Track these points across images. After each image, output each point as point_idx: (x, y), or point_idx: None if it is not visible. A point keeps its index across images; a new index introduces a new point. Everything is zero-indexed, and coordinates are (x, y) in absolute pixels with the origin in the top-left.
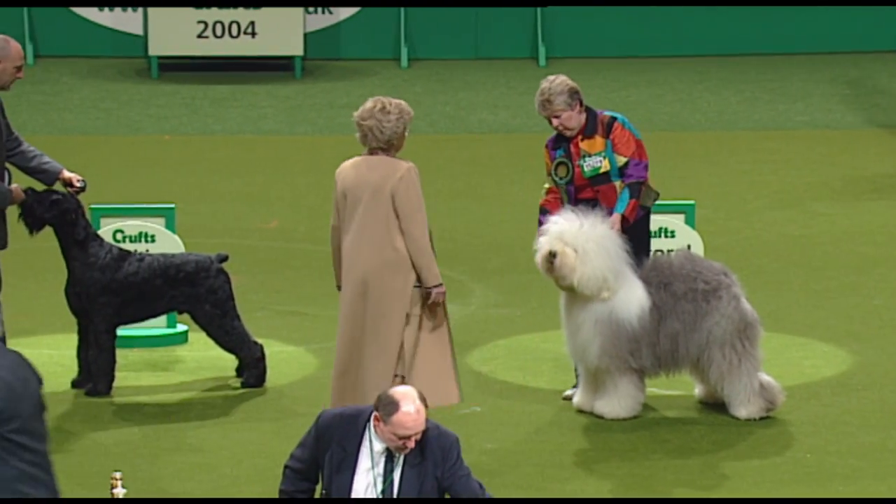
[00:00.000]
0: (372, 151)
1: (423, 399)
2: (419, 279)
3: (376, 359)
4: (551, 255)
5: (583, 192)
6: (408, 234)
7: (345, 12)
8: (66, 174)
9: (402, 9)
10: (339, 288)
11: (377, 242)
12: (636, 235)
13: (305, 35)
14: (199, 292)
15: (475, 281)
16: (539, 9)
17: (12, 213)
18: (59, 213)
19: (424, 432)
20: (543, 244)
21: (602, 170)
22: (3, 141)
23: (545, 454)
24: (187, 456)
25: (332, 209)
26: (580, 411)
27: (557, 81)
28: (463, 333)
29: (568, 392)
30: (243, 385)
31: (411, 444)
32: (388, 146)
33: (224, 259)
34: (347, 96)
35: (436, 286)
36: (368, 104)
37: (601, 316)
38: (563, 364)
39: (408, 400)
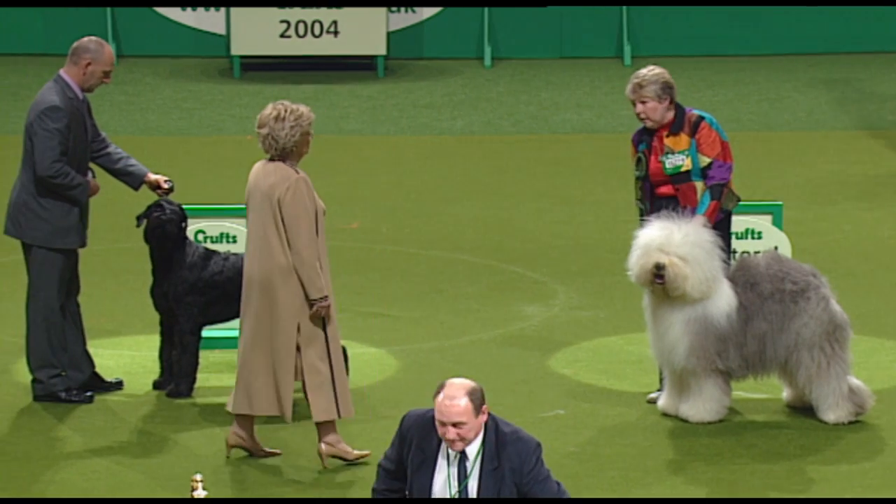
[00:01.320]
0: (271, 158)
1: (473, 393)
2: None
3: (281, 368)
4: (658, 268)
5: (661, 188)
6: (291, 245)
7: (428, 11)
8: (152, 177)
9: (486, 8)
10: None
11: (265, 248)
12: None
13: (388, 34)
14: None
15: (558, 282)
16: (624, 7)
17: (94, 213)
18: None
19: (502, 436)
20: (646, 258)
21: (683, 168)
22: (88, 141)
23: (629, 458)
24: (267, 458)
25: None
26: (665, 415)
27: (656, 71)
28: (545, 335)
29: (652, 395)
30: None
31: (451, 435)
32: (283, 154)
33: None
34: (430, 96)
35: (318, 299)
36: (267, 110)
37: (692, 316)
38: (647, 366)
39: (453, 388)
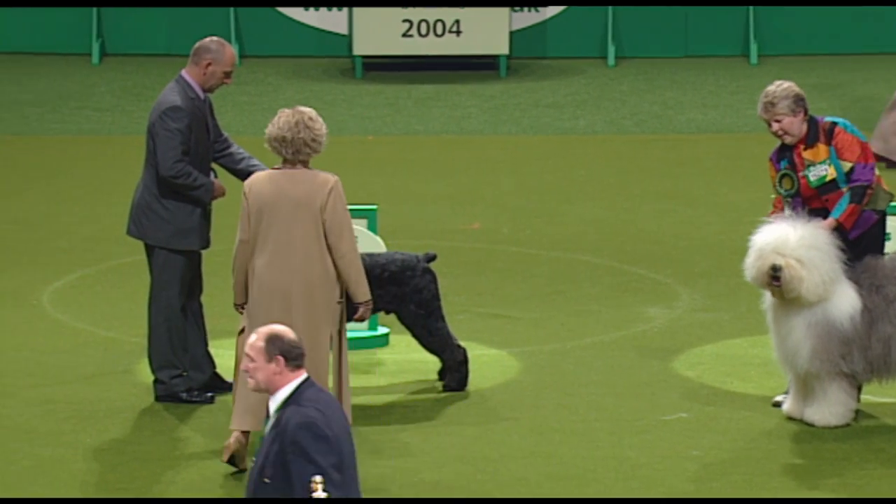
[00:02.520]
0: (291, 164)
1: (273, 341)
2: (342, 295)
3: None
4: (774, 270)
5: (812, 203)
6: (336, 249)
7: (551, 10)
8: None
9: (610, 7)
10: (240, 306)
11: (303, 259)
12: (870, 239)
13: (511, 34)
14: (405, 292)
15: (681, 284)
16: (751, 6)
17: (217, 213)
18: None
19: (296, 397)
20: (762, 259)
21: (828, 178)
22: (209, 141)
23: (753, 462)
24: (389, 460)
25: (239, 224)
26: (790, 419)
27: (784, 86)
28: (668, 338)
29: (777, 398)
30: (445, 388)
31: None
32: (303, 158)
33: (432, 259)
34: (553, 95)
35: (365, 302)
36: (289, 118)
37: (813, 319)
38: (771, 369)
39: (261, 330)
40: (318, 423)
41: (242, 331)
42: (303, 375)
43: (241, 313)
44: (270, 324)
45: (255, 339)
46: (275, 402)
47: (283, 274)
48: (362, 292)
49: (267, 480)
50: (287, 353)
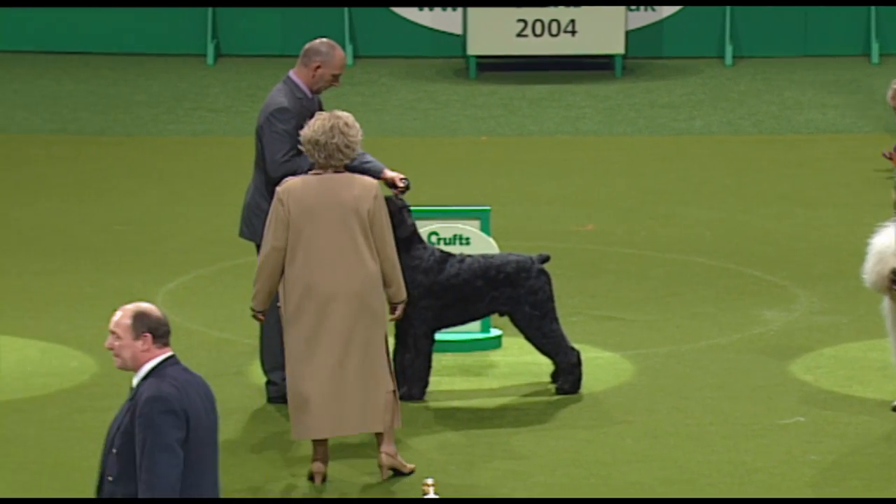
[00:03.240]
0: (324, 169)
1: (141, 318)
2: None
3: (372, 380)
4: (894, 274)
5: None
6: (382, 252)
7: (668, 9)
8: (389, 173)
9: (728, 7)
10: (260, 313)
11: (353, 263)
12: None
13: (627, 33)
14: (520, 293)
15: (799, 286)
16: (873, 6)
17: None
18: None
19: (146, 376)
20: (881, 263)
21: None
22: None
23: (872, 468)
24: (501, 463)
25: (270, 230)
26: None
27: None
28: (786, 340)
29: None
30: (558, 391)
31: (107, 343)
32: (344, 163)
33: (545, 260)
34: (669, 95)
35: (402, 301)
36: (325, 123)
37: None
38: (890, 373)
39: (127, 307)
40: (169, 398)
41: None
42: (168, 352)
43: (261, 320)
44: (316, 330)
45: (121, 316)
46: (137, 378)
47: (331, 279)
48: (402, 292)
49: (115, 450)
50: (154, 330)
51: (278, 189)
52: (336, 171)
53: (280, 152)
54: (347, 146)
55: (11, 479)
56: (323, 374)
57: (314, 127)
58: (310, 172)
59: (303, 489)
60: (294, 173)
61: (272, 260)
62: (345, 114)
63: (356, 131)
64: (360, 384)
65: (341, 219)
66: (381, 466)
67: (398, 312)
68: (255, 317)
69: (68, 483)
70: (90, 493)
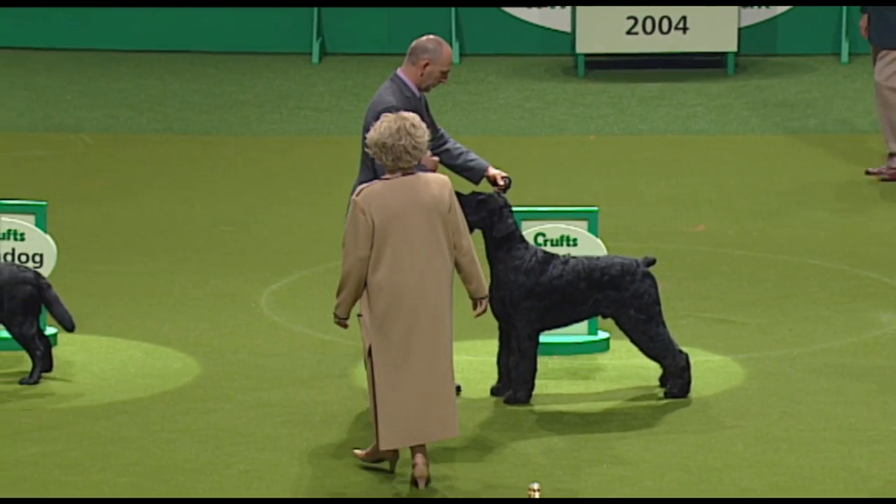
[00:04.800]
0: (403, 170)
1: None
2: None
3: (452, 384)
4: None
5: None
6: (460, 247)
7: (782, 6)
8: (492, 171)
9: (844, 6)
10: (345, 320)
11: (438, 267)
12: None
13: (740, 30)
14: (624, 296)
15: None
16: None
17: None
18: (486, 213)
19: None
20: None
21: None
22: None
23: None
24: (609, 468)
25: (352, 240)
26: None
27: None
28: None
29: None
30: (667, 395)
31: None
32: (408, 165)
33: (651, 263)
34: (783, 93)
35: (485, 297)
36: (391, 125)
37: None
38: None
39: None
40: None
41: (370, 351)
42: None
43: (345, 327)
44: (407, 336)
45: None
46: None
47: (419, 284)
48: (484, 287)
49: None
50: None
51: (356, 198)
52: (407, 173)
53: None
54: (415, 147)
55: (115, 481)
56: (417, 380)
57: (380, 129)
58: (384, 177)
59: (406, 493)
60: None
61: (358, 271)
62: (411, 114)
63: (423, 132)
64: (447, 389)
65: (426, 221)
66: (422, 478)
67: (481, 308)
68: (340, 324)
69: (171, 485)
70: (195, 495)
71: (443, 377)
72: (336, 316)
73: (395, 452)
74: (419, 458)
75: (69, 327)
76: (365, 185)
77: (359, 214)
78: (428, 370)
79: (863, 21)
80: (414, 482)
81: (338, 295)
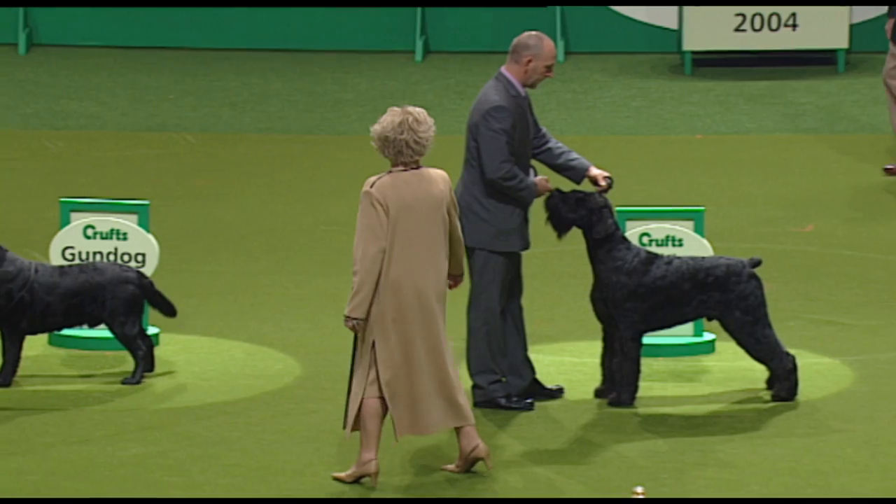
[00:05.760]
0: (405, 165)
1: None
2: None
3: (456, 374)
4: None
5: None
6: (457, 238)
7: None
8: (593, 171)
9: None
10: (362, 321)
11: (440, 257)
12: None
13: (851, 27)
14: (730, 298)
15: None
16: None
17: (536, 215)
18: (585, 212)
19: None
20: None
21: None
22: (529, 138)
23: None
24: (714, 471)
25: (369, 233)
26: None
27: None
28: None
29: None
30: (774, 398)
31: None
32: (419, 158)
33: (757, 264)
34: None
35: (460, 274)
36: (394, 119)
37: None
38: None
39: None
40: None
41: (373, 345)
42: None
43: (360, 329)
44: (417, 327)
45: None
46: None
47: (424, 276)
48: (461, 266)
49: None
50: None
51: (371, 191)
52: (413, 168)
53: (498, 151)
54: (417, 142)
55: (216, 482)
56: (427, 370)
57: (384, 123)
58: (391, 171)
59: (508, 491)
60: (513, 176)
61: (378, 264)
62: (417, 109)
63: (426, 127)
64: (454, 379)
65: (432, 214)
66: (485, 458)
67: (456, 283)
68: (356, 327)
69: (272, 486)
70: (296, 496)
71: (445, 367)
72: (352, 319)
73: (376, 465)
74: (476, 440)
75: (171, 312)
76: (375, 178)
77: (376, 206)
78: (432, 363)
79: (889, 24)
80: (470, 467)
81: (355, 296)
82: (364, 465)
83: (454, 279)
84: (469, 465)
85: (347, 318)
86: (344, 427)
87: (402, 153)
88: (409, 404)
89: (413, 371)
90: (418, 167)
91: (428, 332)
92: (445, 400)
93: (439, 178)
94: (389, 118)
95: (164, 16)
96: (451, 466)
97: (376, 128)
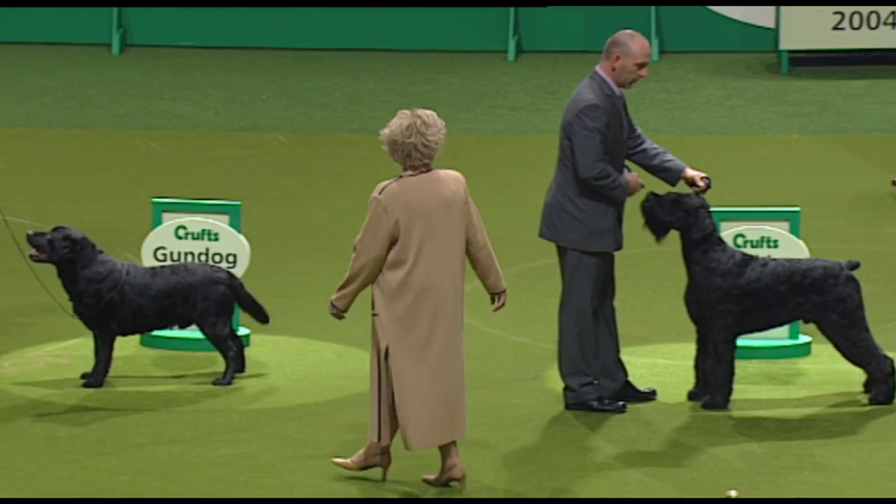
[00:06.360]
0: (414, 168)
1: None
2: (487, 286)
3: (462, 376)
4: None
5: None
6: (477, 242)
7: None
8: (689, 172)
9: None
10: (342, 312)
11: (457, 259)
12: None
13: None
14: (826, 300)
15: None
16: None
17: (631, 215)
18: (682, 214)
19: None
20: None
21: None
22: (623, 137)
23: None
24: (809, 475)
25: (368, 239)
26: None
27: None
28: None
29: None
30: (871, 401)
31: None
32: (419, 164)
33: (855, 266)
34: None
35: (504, 291)
36: (402, 122)
37: None
38: None
39: None
40: None
41: (385, 355)
42: None
43: (342, 319)
44: (431, 332)
45: None
46: None
47: (441, 279)
48: (502, 282)
49: None
50: None
51: (379, 196)
52: (424, 171)
53: (592, 151)
54: (425, 146)
55: (306, 483)
56: (438, 379)
57: (392, 127)
58: (401, 176)
59: (596, 492)
60: (607, 175)
61: (370, 270)
62: (426, 112)
63: (435, 130)
64: (462, 388)
65: (446, 218)
66: (460, 479)
67: (499, 303)
68: (337, 315)
69: (363, 488)
70: (387, 496)
71: (458, 376)
72: (335, 307)
73: (388, 458)
74: (456, 459)
75: (264, 319)
76: (385, 182)
77: (381, 213)
78: (447, 369)
79: None
80: (446, 483)
81: (342, 288)
82: (449, 470)
83: (499, 298)
84: (445, 483)
85: (331, 303)
86: (379, 438)
87: (411, 157)
88: (418, 414)
89: (428, 377)
90: (429, 170)
91: (445, 336)
92: (452, 409)
93: (451, 180)
94: (398, 122)
95: (257, 16)
96: (430, 478)
97: (385, 132)
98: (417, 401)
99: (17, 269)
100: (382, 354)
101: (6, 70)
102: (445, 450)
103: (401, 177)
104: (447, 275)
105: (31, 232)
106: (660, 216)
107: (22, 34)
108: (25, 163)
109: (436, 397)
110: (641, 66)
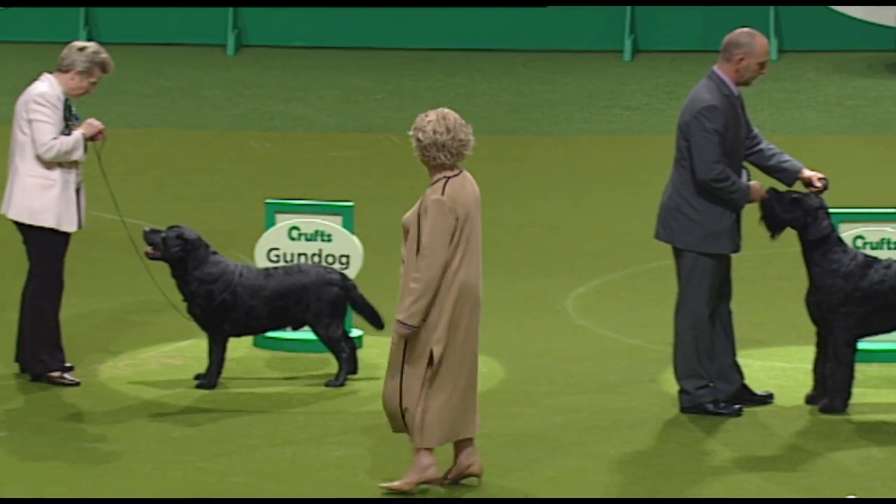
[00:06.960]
0: (451, 169)
1: None
2: None
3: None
4: None
5: None
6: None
7: None
8: (807, 173)
9: None
10: (416, 328)
11: (481, 256)
12: None
13: None
14: None
15: None
16: None
17: (749, 217)
18: (800, 213)
19: None
20: None
21: None
22: (741, 138)
23: None
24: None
25: (441, 243)
26: None
27: None
28: None
29: None
30: None
31: None
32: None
33: None
34: None
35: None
36: (439, 124)
37: None
38: None
39: None
40: None
41: (430, 358)
42: None
43: (413, 337)
44: (469, 331)
45: None
46: None
47: (476, 275)
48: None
49: None
50: None
51: (443, 199)
52: (459, 171)
53: (710, 152)
54: (470, 141)
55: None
56: (466, 377)
57: (427, 130)
58: (447, 177)
59: (714, 496)
60: (726, 178)
61: (442, 275)
62: (450, 111)
63: (468, 129)
64: (477, 382)
65: (479, 216)
66: (478, 475)
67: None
68: (407, 335)
69: (474, 489)
70: (498, 495)
71: (476, 371)
72: (407, 326)
73: (437, 472)
74: (474, 456)
75: (378, 325)
76: (438, 184)
77: (449, 215)
78: (473, 367)
79: None
80: (457, 480)
81: (416, 303)
82: (469, 466)
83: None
84: (461, 478)
85: (403, 324)
86: (420, 446)
87: (461, 154)
88: (453, 414)
89: (465, 374)
90: (461, 171)
91: (476, 335)
92: (472, 404)
93: (472, 181)
94: (434, 124)
95: (371, 16)
96: (397, 484)
97: (422, 137)
98: (446, 402)
99: (133, 268)
100: (437, 359)
101: (123, 71)
102: (463, 445)
103: (447, 178)
104: (479, 273)
105: (147, 228)
106: (778, 213)
107: (138, 35)
108: (142, 164)
109: (459, 397)
110: (763, 64)
